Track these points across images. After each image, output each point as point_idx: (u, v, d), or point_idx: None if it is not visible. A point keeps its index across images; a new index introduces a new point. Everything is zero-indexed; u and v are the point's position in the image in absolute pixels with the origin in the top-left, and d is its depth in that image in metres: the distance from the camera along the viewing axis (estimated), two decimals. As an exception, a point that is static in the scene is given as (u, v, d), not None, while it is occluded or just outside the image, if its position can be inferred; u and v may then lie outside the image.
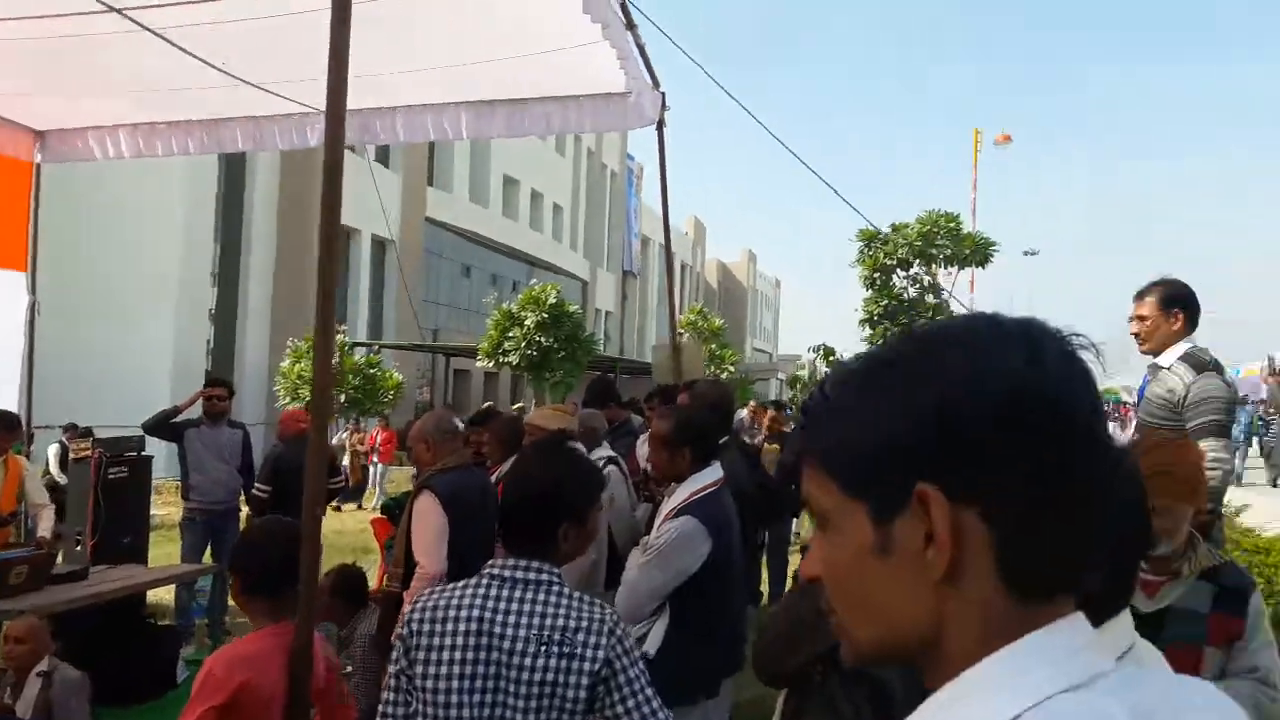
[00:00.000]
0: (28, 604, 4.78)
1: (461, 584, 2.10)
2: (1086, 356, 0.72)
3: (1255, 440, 18.88)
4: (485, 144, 31.22)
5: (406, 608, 2.16)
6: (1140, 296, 3.77)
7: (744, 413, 14.30)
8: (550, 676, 1.97)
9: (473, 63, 4.76)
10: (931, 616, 0.70)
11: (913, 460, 0.69)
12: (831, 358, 29.65)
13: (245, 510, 7.20)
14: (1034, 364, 0.69)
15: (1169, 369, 3.65)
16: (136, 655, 5.62)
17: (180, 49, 4.53)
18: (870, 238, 27.79)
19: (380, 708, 2.07)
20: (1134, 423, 4.18)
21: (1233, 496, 7.31)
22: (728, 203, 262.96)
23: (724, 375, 30.95)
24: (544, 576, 2.07)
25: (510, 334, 21.37)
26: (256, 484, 6.76)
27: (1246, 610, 2.27)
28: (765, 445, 8.78)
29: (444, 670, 1.98)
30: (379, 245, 26.52)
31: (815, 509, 0.76)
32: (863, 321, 28.74)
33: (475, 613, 2.02)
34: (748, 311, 68.47)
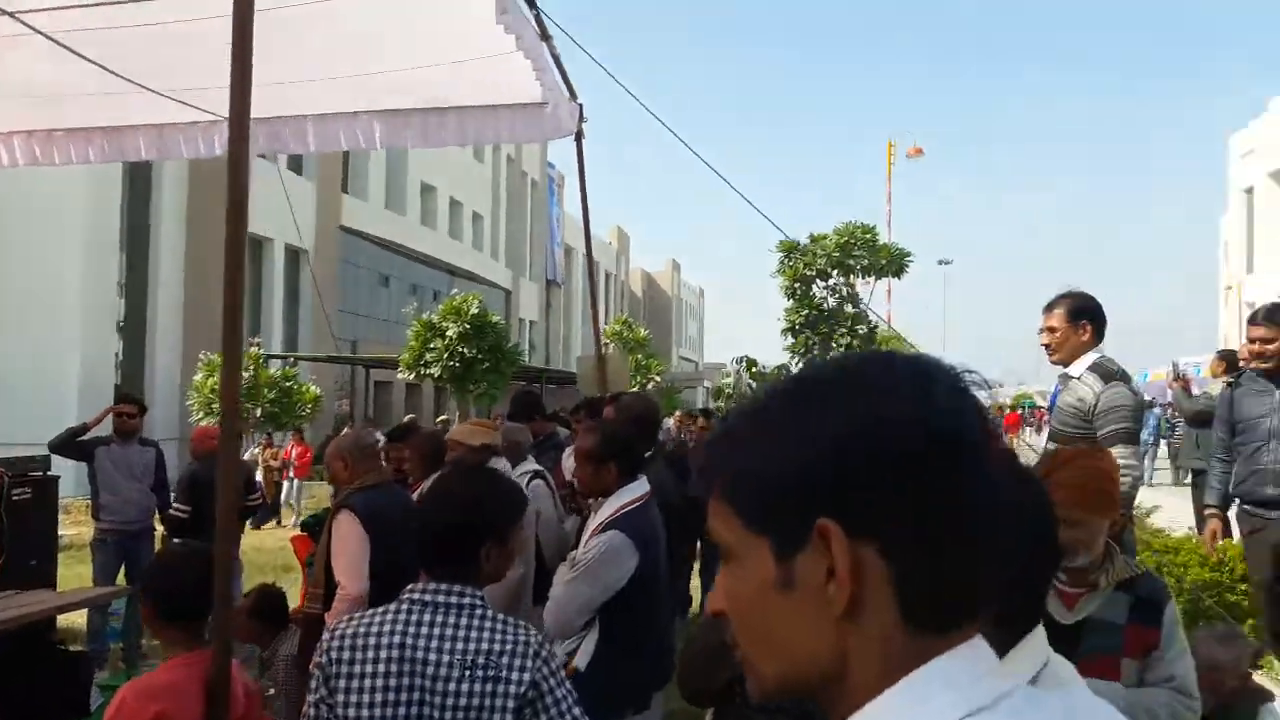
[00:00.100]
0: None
1: (380, 610, 2.05)
2: (978, 392, 0.74)
3: (1163, 442, 19.57)
4: (402, 151, 30.72)
5: (326, 634, 2.10)
6: (1049, 308, 3.87)
7: (670, 422, 14.36)
8: (476, 701, 1.94)
9: (386, 71, 4.68)
10: (834, 651, 0.70)
11: (813, 496, 0.69)
12: (754, 369, 30.17)
13: (160, 530, 6.99)
14: (924, 403, 0.70)
15: (1079, 379, 3.76)
16: (47, 682, 5.39)
17: (77, 54, 4.36)
18: (790, 249, 28.35)
19: (300, 739, 2.00)
20: (1048, 429, 4.31)
21: (1143, 498, 7.56)
22: (651, 212, 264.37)
23: (650, 385, 31.09)
24: (466, 600, 2.04)
25: (432, 345, 21.02)
26: (175, 504, 6.57)
27: (1162, 620, 2.30)
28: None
29: (366, 699, 1.93)
30: (293, 254, 25.84)
31: (719, 541, 0.76)
32: (785, 330, 29.32)
33: (396, 639, 1.97)
34: (673, 320, 68.95)
